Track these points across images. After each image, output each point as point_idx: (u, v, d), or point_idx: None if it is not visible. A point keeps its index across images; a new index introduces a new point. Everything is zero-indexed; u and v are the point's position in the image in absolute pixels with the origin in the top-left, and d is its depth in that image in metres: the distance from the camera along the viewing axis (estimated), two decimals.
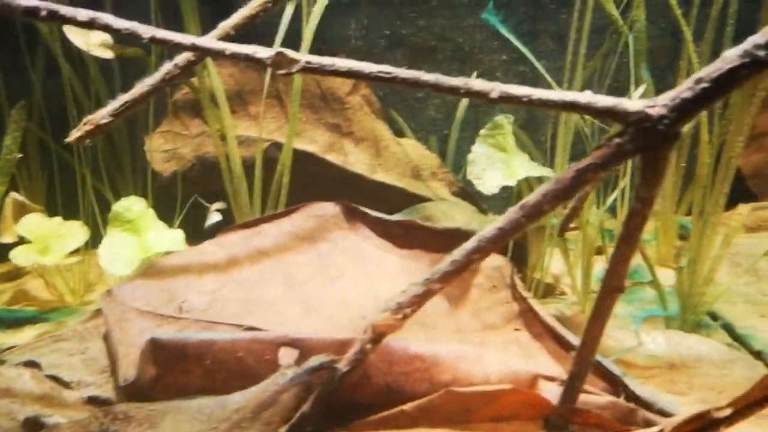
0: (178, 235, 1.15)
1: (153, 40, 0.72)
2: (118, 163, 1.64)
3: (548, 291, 1.31)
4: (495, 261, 1.01)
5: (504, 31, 1.41)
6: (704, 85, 0.59)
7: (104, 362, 0.92)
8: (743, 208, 1.21)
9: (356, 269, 1.05)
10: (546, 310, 1.09)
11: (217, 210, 1.49)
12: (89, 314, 1.07)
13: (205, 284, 1.01)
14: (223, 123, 1.39)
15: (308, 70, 0.68)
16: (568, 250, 1.26)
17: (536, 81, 1.68)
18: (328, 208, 1.11)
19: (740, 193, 1.67)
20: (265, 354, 0.81)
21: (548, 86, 1.42)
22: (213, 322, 0.91)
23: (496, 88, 0.66)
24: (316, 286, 1.01)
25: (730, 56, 0.58)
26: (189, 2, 1.26)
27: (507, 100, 0.66)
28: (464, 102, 1.66)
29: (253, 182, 1.39)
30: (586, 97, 0.64)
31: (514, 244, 1.11)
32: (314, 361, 0.74)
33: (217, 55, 0.70)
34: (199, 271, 1.04)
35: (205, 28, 1.00)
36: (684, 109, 0.60)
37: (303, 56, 0.68)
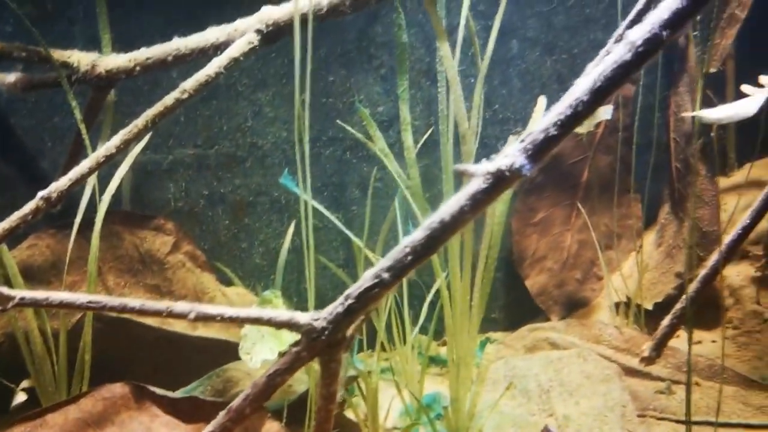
0: None
1: None
2: None
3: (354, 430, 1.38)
4: (273, 427, 1.07)
5: (299, 193, 1.56)
6: (351, 301, 0.71)
7: None
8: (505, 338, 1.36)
9: None
10: None
11: (24, 389, 1.46)
12: None
13: None
14: None
15: (23, 305, 0.75)
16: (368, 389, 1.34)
17: (350, 224, 1.84)
18: (117, 389, 1.14)
19: (530, 309, 1.87)
20: None
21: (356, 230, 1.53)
22: None
23: (194, 309, 0.76)
24: None
25: (368, 276, 0.72)
26: None
27: (203, 318, 0.76)
28: (285, 248, 1.77)
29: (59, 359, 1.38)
30: (269, 313, 0.75)
31: (289, 406, 1.18)
32: None
33: None
34: None
35: None
36: (338, 322, 0.72)
37: (18, 293, 0.75)
